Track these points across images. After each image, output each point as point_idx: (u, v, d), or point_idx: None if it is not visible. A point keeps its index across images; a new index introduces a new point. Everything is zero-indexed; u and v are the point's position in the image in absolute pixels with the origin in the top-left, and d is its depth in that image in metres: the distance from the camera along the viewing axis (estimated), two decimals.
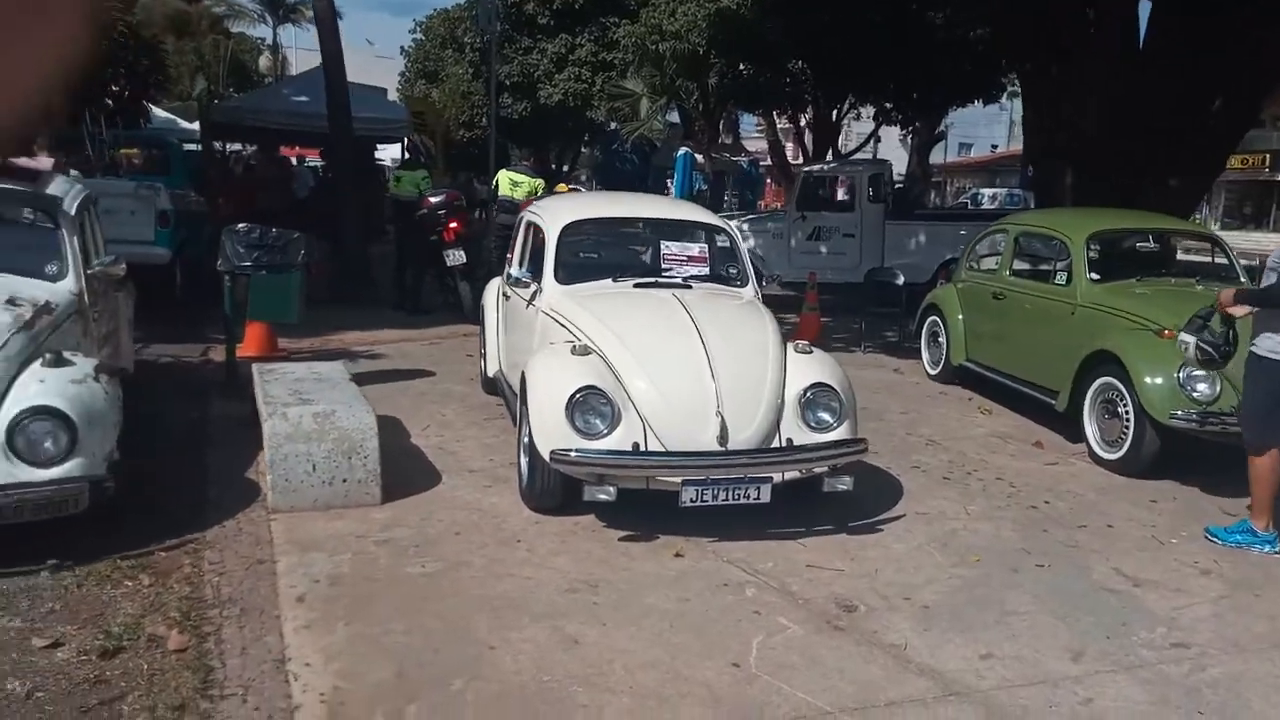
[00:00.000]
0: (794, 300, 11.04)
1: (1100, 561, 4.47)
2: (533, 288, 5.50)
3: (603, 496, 4.33)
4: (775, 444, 4.54)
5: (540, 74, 23.81)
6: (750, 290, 5.64)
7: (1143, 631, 3.78)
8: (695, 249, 5.67)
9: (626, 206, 6.42)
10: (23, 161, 5.72)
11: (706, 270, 5.65)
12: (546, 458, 4.36)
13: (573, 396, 4.36)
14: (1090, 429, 6.05)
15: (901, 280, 9.62)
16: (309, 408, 4.72)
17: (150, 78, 18.71)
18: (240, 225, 6.57)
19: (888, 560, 4.41)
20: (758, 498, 4.40)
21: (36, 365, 4.00)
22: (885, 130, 24.19)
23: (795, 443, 4.56)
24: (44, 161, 5.75)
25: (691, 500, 4.33)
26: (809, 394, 4.67)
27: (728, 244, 5.85)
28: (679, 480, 4.32)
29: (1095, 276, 6.51)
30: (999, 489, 5.48)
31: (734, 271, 5.73)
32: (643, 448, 4.38)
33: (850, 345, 9.91)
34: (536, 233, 5.74)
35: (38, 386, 3.92)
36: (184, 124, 23.68)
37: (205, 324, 8.57)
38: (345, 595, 3.75)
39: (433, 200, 9.75)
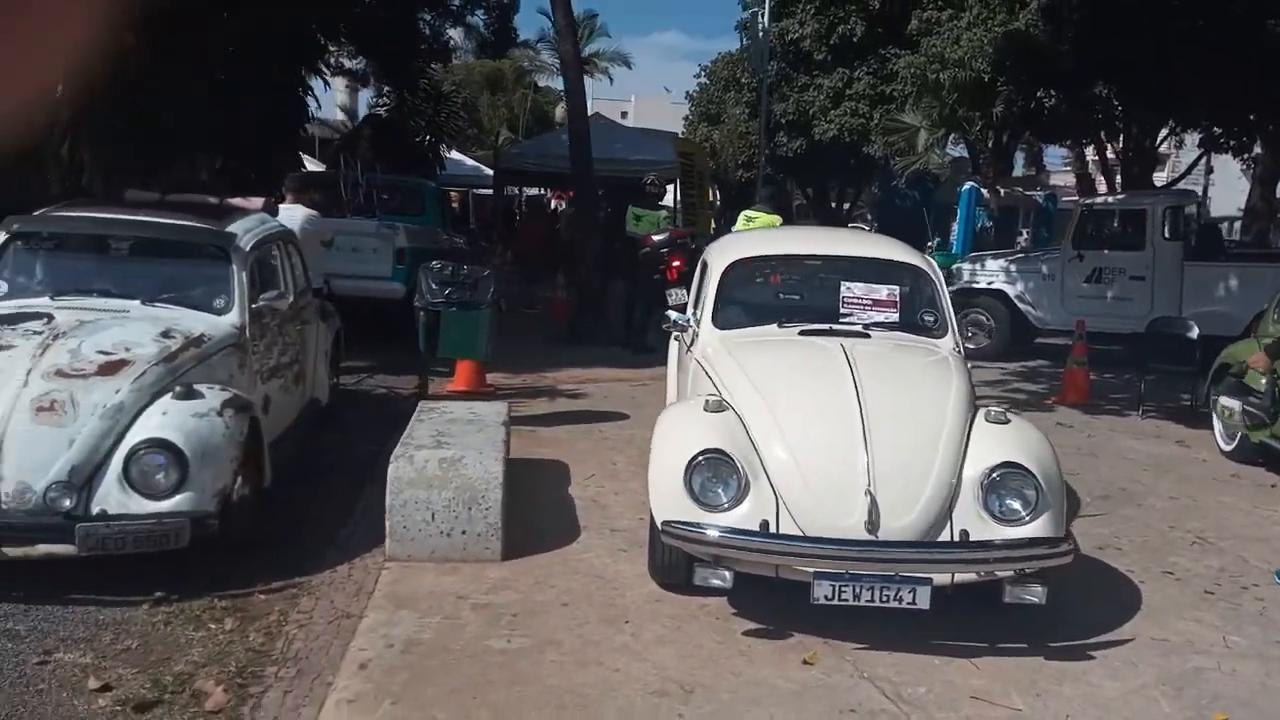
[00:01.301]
0: (1062, 350, 9.58)
1: None
2: (691, 332, 4.96)
3: (716, 582, 3.68)
4: (943, 537, 3.65)
5: (816, 110, 23.21)
6: (949, 342, 4.73)
7: None
8: (883, 292, 4.85)
9: (809, 242, 5.68)
10: (237, 201, 6.08)
11: (895, 316, 4.81)
12: (660, 528, 3.78)
13: (693, 460, 3.76)
14: None
15: (1195, 332, 7.93)
16: (439, 452, 4.49)
17: (447, 127, 20.43)
18: (435, 262, 6.61)
19: (1090, 703, 3.36)
20: (912, 602, 3.53)
21: (166, 397, 4.06)
22: (1222, 160, 20.96)
23: (971, 537, 3.64)
24: (255, 202, 6.05)
25: (826, 597, 3.56)
26: (995, 475, 3.72)
27: (928, 287, 4.97)
28: (811, 571, 3.57)
29: None
30: None
31: (931, 320, 4.84)
32: (773, 528, 3.67)
33: (1125, 409, 8.37)
34: (705, 271, 5.20)
35: (159, 419, 3.96)
36: (484, 169, 25.73)
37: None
38: (410, 667, 3.40)
39: (655, 239, 9.51)
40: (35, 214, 4.88)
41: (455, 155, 27.16)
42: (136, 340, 4.29)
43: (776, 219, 10.44)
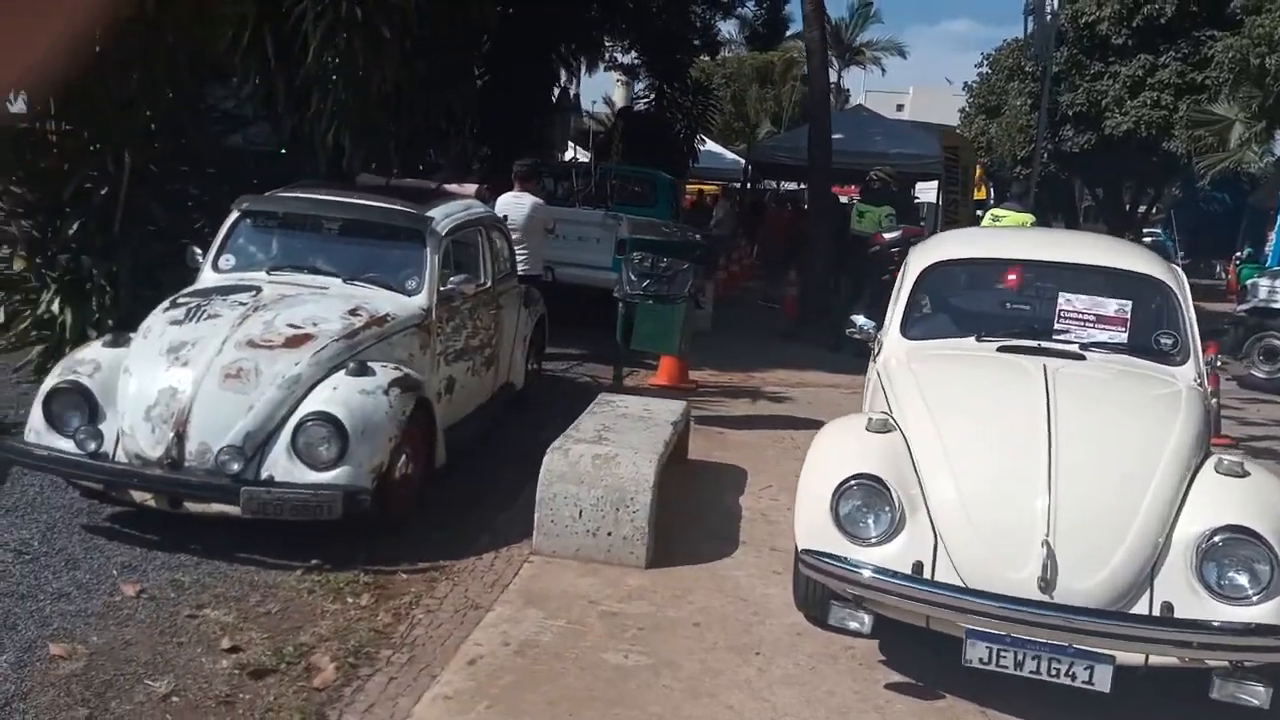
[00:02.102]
0: None
1: None
2: (877, 339, 4.50)
3: (853, 625, 3.27)
4: (1139, 608, 3.02)
5: (1109, 101, 20.94)
6: (1188, 372, 3.94)
7: None
8: (1111, 307, 4.12)
9: (1026, 245, 4.93)
10: (452, 187, 6.30)
11: (1122, 337, 4.08)
12: (798, 556, 3.43)
13: (843, 485, 3.35)
14: None
15: None
16: (595, 447, 4.38)
17: (703, 120, 20.48)
18: (635, 254, 6.52)
19: None
20: (1088, 681, 2.95)
21: (340, 373, 4.22)
22: None
23: (1176, 612, 2.98)
24: (468, 188, 6.23)
25: (981, 660, 3.05)
26: (1217, 540, 3.03)
27: (1171, 304, 4.18)
28: (965, 628, 3.07)
29: None
30: None
31: (1169, 343, 4.05)
32: (927, 572, 3.21)
33: None
34: (904, 272, 4.70)
35: (329, 393, 4.13)
36: (743, 163, 25.64)
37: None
38: (517, 669, 3.29)
39: (886, 237, 8.88)
40: (263, 195, 5.29)
41: (715, 148, 27.29)
42: (325, 316, 4.51)
43: (1028, 219, 9.47)
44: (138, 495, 4.06)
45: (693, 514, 4.84)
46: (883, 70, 47.34)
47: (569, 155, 23.24)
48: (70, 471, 4.04)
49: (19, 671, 3.07)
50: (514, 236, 7.84)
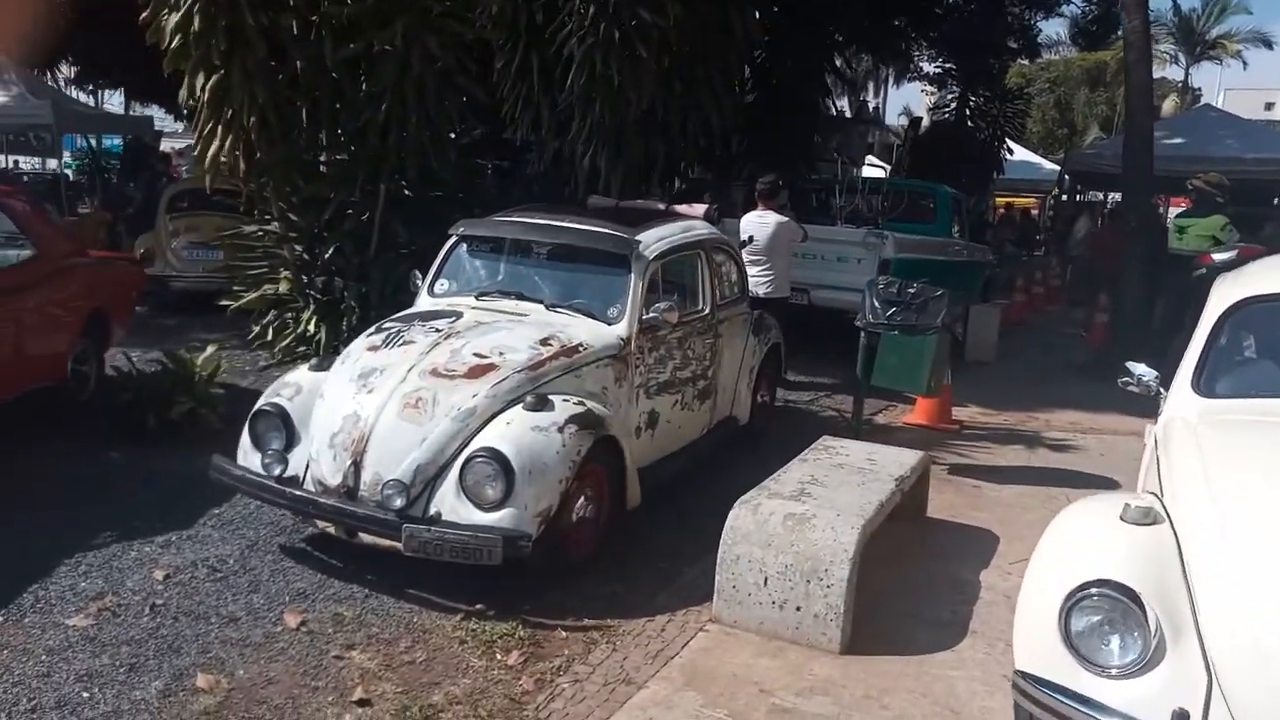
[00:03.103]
0: None
1: None
2: (1161, 395, 3.50)
3: None
4: None
5: None
6: None
7: None
8: None
9: None
10: (681, 208, 5.94)
11: None
12: (1014, 679, 2.63)
13: (1078, 592, 2.52)
14: None
15: None
16: (790, 505, 3.78)
17: (1009, 127, 18.72)
18: (881, 279, 5.78)
19: None
20: None
21: (518, 407, 3.97)
22: None
23: None
24: (696, 209, 5.85)
25: None
26: None
27: None
28: None
29: None
30: None
31: None
32: None
33: None
34: (1205, 310, 3.64)
35: (502, 428, 3.88)
36: (1049, 167, 23.23)
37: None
38: None
39: (1217, 258, 7.29)
40: (479, 219, 5.22)
41: (1029, 158, 24.95)
42: (513, 345, 4.29)
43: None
44: (320, 521, 4.05)
45: (915, 587, 4.07)
46: (1244, 64, 41.19)
47: (867, 171, 22.29)
48: (257, 493, 4.11)
49: (162, 700, 3.06)
50: (758, 258, 7.36)
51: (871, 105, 34.15)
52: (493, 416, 3.95)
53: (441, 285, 5.12)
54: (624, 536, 4.39)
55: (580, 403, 4.12)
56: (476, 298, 4.93)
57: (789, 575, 3.59)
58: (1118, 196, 27.74)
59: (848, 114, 23.84)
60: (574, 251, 4.96)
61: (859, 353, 5.89)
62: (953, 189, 10.58)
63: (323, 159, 6.78)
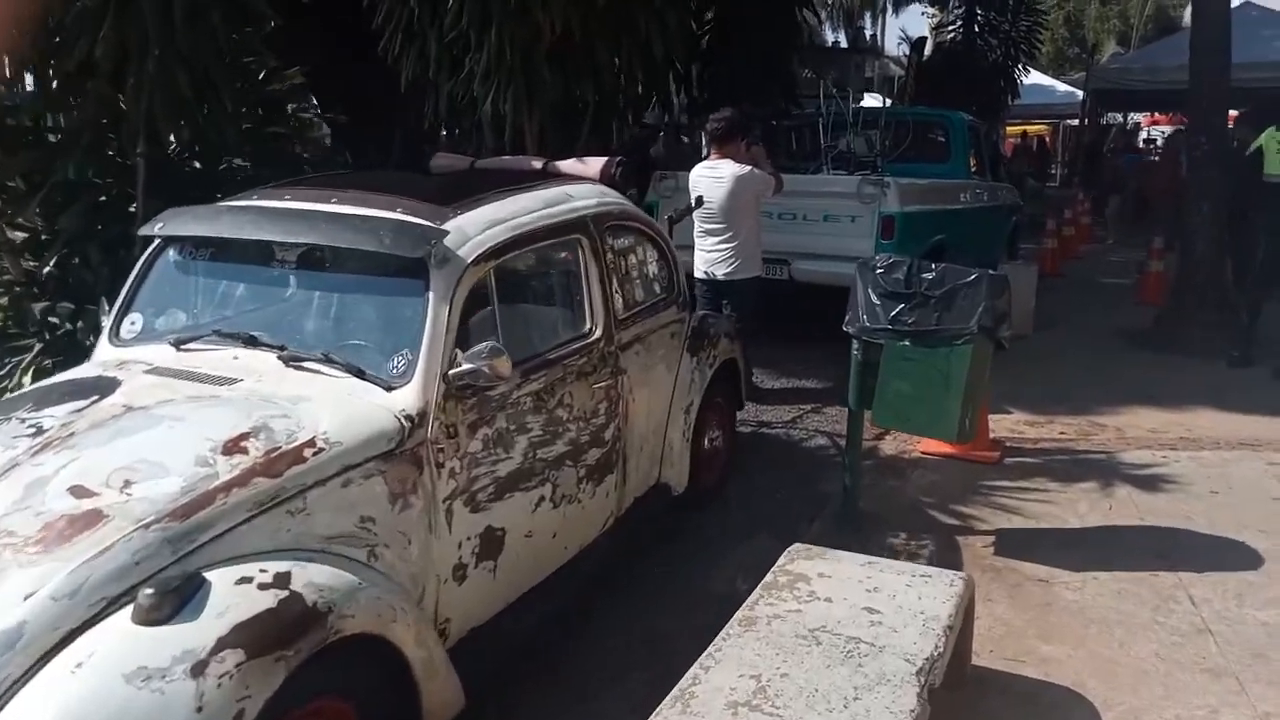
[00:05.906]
0: None
1: None
2: None
3: None
4: None
5: None
6: None
7: None
8: None
9: None
10: (566, 165, 3.81)
11: None
12: None
13: None
14: None
15: None
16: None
17: (1027, 45, 16.32)
18: (877, 259, 3.62)
19: None
20: None
21: (123, 612, 1.89)
22: None
23: None
24: (591, 165, 3.80)
25: None
26: None
27: None
28: None
29: None
30: None
31: None
32: None
33: None
34: None
35: (62, 682, 1.79)
36: (1078, 94, 20.70)
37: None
38: None
39: None
40: (189, 208, 3.08)
41: (1042, 80, 22.40)
42: (163, 459, 2.20)
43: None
44: None
45: None
46: None
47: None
48: None
49: None
50: (714, 225, 5.25)
51: (869, 34, 31.55)
52: (71, 635, 1.88)
53: (131, 324, 3.01)
54: None
55: (282, 575, 2.03)
56: (177, 347, 2.83)
57: None
58: (1138, 118, 25.17)
59: (843, 45, 21.43)
60: (337, 257, 2.82)
61: (850, 372, 3.77)
62: (969, 116, 8.31)
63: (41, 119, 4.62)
